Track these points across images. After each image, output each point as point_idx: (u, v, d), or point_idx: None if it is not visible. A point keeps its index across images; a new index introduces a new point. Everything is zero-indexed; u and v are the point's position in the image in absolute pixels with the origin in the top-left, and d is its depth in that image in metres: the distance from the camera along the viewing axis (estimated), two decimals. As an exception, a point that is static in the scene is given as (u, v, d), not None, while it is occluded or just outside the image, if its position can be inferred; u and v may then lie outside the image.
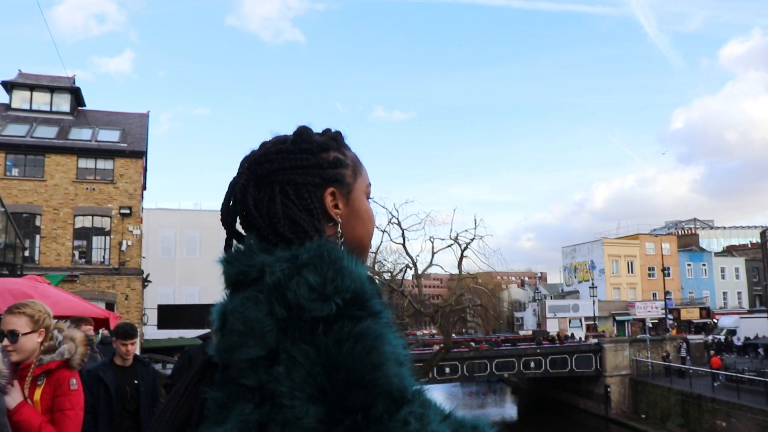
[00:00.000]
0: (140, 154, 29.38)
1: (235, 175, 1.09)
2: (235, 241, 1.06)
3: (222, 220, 1.09)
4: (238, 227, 1.09)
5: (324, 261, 0.90)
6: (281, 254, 0.94)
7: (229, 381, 0.91)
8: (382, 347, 0.85)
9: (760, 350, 41.22)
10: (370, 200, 1.17)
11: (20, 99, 30.92)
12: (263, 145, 1.10)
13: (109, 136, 29.80)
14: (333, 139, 1.12)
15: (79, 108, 32.25)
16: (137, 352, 6.64)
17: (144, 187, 31.41)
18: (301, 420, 0.82)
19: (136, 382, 5.61)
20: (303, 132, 1.10)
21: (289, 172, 1.04)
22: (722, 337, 46.72)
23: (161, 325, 23.07)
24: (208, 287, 36.11)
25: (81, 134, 29.46)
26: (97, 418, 5.24)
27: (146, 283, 30.25)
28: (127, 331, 5.72)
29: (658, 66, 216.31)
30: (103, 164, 28.79)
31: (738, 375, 30.74)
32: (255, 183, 1.05)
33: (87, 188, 28.16)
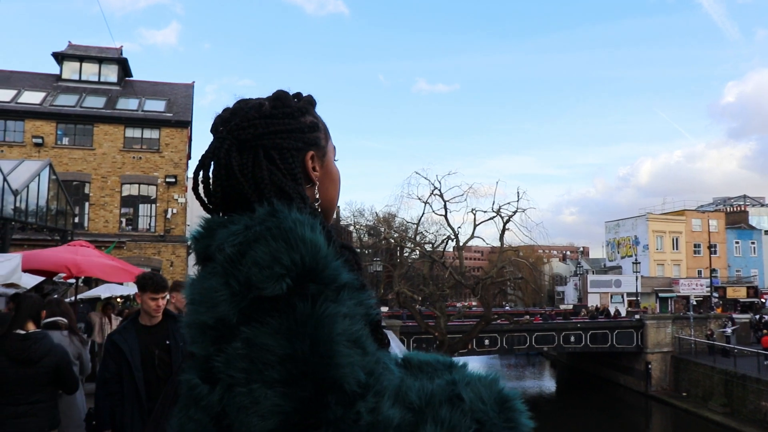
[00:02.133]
0: (185, 124, 29.83)
1: (211, 141, 1.07)
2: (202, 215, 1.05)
3: (193, 189, 1.09)
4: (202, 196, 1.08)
5: (273, 234, 0.88)
6: (235, 228, 0.91)
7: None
8: (332, 332, 0.81)
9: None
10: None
11: (70, 70, 31.61)
12: (238, 109, 1.08)
13: (155, 106, 30.32)
14: (309, 103, 1.13)
15: (126, 79, 32.84)
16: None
17: (189, 157, 31.92)
18: (258, 405, 0.80)
19: (167, 342, 4.65)
20: (283, 96, 1.10)
21: (273, 137, 1.04)
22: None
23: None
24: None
25: (128, 104, 30.04)
26: (123, 389, 4.50)
27: (191, 251, 30.85)
28: (158, 283, 4.71)
29: (712, 37, 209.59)
30: (149, 134, 29.36)
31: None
32: (237, 148, 1.03)
33: (134, 157, 28.78)
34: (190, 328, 0.90)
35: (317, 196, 1.09)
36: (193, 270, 1.02)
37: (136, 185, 28.95)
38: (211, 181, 1.05)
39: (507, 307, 54.58)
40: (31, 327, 4.75)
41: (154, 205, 29.06)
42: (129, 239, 27.81)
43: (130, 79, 33.12)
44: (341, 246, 0.97)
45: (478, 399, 0.85)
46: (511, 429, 0.84)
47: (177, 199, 29.09)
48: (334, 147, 1.19)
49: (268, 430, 0.80)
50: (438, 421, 0.81)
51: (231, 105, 1.11)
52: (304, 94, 1.16)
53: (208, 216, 1.04)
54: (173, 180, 28.85)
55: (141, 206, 29.14)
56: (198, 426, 0.87)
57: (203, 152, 1.07)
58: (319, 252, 0.88)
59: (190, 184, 33.90)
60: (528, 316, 43.82)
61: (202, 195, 1.07)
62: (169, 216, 28.73)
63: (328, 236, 0.93)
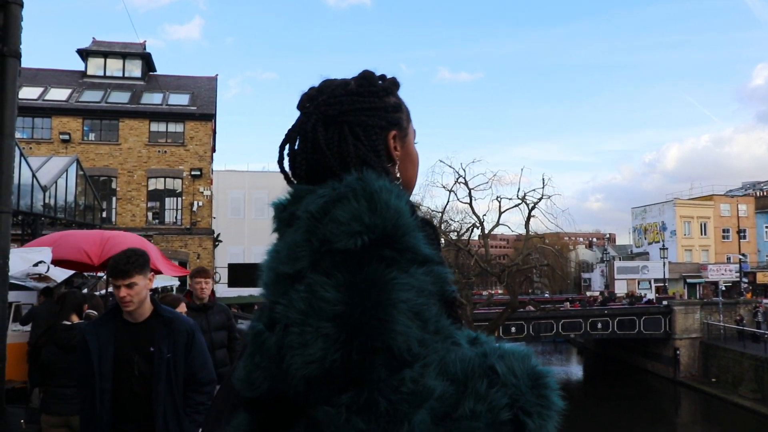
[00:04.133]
0: (209, 117, 30.06)
1: (298, 116, 1.10)
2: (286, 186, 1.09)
3: (279, 162, 1.12)
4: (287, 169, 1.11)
5: (358, 195, 0.90)
6: (322, 191, 0.94)
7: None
8: (394, 298, 0.82)
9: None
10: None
11: (95, 66, 31.99)
12: (324, 86, 1.11)
13: (180, 99, 30.58)
14: (393, 84, 1.16)
15: (150, 73, 33.13)
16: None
17: (213, 150, 32.19)
18: (306, 348, 0.82)
19: (151, 349, 3.52)
20: (369, 76, 1.13)
21: (359, 114, 1.07)
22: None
23: (232, 283, 23.69)
24: (276, 246, 36.86)
25: (152, 98, 30.34)
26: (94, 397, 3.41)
27: (217, 243, 31.19)
28: (117, 266, 3.48)
29: (741, 18, 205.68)
30: (174, 127, 29.64)
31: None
32: (324, 123, 1.06)
33: (159, 151, 29.09)
34: (267, 281, 0.94)
35: (398, 175, 1.12)
36: (269, 239, 1.04)
37: (162, 179, 29.28)
38: (296, 155, 1.09)
39: (540, 295, 54.07)
40: (75, 319, 5.42)
41: (179, 199, 29.37)
42: (156, 233, 28.15)
43: (154, 73, 33.42)
44: (423, 221, 0.99)
45: (510, 373, 0.85)
46: (543, 407, 0.84)
47: (202, 192, 29.36)
48: (415, 130, 1.22)
49: (309, 375, 0.83)
50: (478, 397, 0.81)
51: (317, 84, 1.13)
52: (388, 76, 1.18)
53: (296, 185, 1.07)
54: (198, 173, 29.11)
55: (167, 200, 29.47)
56: (264, 373, 0.90)
57: (289, 127, 1.11)
58: (401, 219, 0.89)
59: (215, 177, 34.24)
60: (568, 303, 43.58)
61: (287, 169, 1.11)
62: (194, 209, 29.02)
63: (412, 209, 0.95)
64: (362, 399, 0.79)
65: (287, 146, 1.11)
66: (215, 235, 30.50)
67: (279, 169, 1.12)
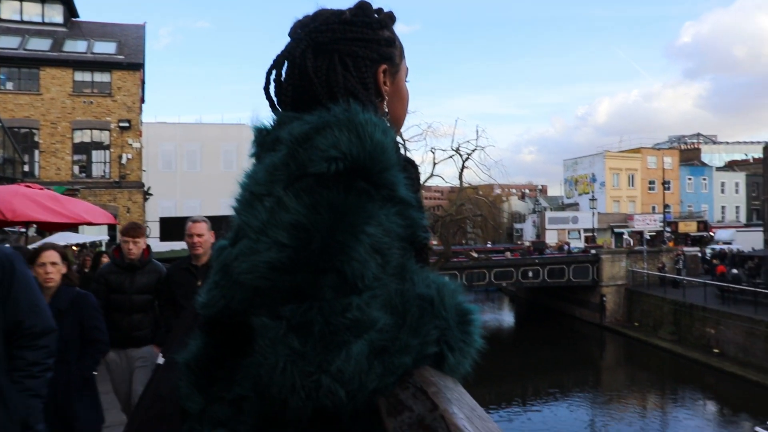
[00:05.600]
0: (138, 66, 28.90)
1: (288, 42, 1.08)
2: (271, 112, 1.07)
3: (265, 88, 1.10)
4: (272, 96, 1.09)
5: (342, 125, 0.88)
6: (309, 118, 0.93)
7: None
8: (358, 228, 0.81)
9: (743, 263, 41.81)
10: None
11: (10, 10, 30.11)
12: (318, 14, 1.09)
13: (105, 48, 29.23)
14: (389, 18, 1.13)
15: (73, 19, 31.47)
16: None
17: (143, 101, 31.07)
18: (258, 255, 0.82)
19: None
20: (364, 6, 1.11)
21: (350, 44, 1.04)
22: (725, 248, 47.24)
23: (163, 237, 23.30)
24: (209, 200, 36.38)
25: (76, 46, 28.88)
26: None
27: (147, 197, 30.41)
28: None
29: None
30: (100, 77, 28.37)
31: (729, 285, 31.38)
32: (314, 50, 1.04)
33: (84, 102, 27.88)
34: (240, 200, 0.93)
35: (386, 111, 1.10)
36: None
37: (88, 131, 28.13)
38: (283, 81, 1.06)
39: (483, 246, 55.02)
40: None
41: (107, 151, 28.34)
42: (83, 186, 27.19)
43: (77, 20, 31.76)
44: (407, 161, 0.98)
45: (442, 306, 0.85)
46: (466, 344, 0.86)
47: (132, 145, 28.43)
48: (407, 68, 1.19)
49: (253, 284, 0.83)
50: (413, 331, 0.82)
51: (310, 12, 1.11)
52: (385, 10, 1.15)
53: (280, 112, 1.05)
54: (127, 125, 28.09)
55: (94, 152, 28.38)
56: (221, 290, 0.90)
57: (278, 52, 1.09)
58: (383, 154, 0.88)
59: (145, 129, 33.17)
60: (509, 253, 44.54)
61: (272, 95, 1.09)
62: (124, 162, 28.11)
63: (397, 147, 0.93)
64: (302, 315, 0.79)
65: (274, 72, 1.09)
66: (146, 189, 29.69)
67: (264, 95, 1.10)
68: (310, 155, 0.86)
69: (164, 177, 38.66)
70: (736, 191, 68.05)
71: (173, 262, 5.56)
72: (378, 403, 0.77)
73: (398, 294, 0.84)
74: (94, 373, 4.27)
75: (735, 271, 33.79)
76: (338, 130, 0.87)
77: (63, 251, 4.39)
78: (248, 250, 0.84)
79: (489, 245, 52.44)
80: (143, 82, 30.53)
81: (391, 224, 0.85)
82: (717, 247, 48.19)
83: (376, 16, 1.11)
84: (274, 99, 1.09)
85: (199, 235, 5.02)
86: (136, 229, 5.71)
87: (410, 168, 0.98)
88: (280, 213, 0.83)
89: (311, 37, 1.05)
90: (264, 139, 1.00)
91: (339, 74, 1.02)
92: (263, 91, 1.10)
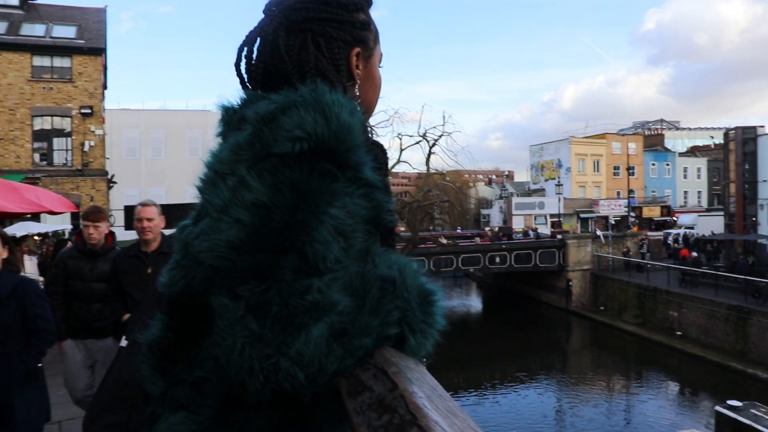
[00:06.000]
0: (99, 51, 28.25)
1: (261, 18, 1.08)
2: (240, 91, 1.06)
3: (235, 64, 1.08)
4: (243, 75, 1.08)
5: (308, 105, 0.87)
6: (276, 98, 0.92)
7: None
8: (321, 210, 0.81)
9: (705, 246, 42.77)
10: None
11: (-37, -9, 29.19)
12: None
13: (65, 32, 28.48)
14: (365, 1, 1.12)
15: (30, 2, 30.59)
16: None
17: (105, 87, 30.43)
18: (219, 234, 0.82)
19: None
20: None
21: (324, 24, 1.03)
22: (684, 232, 48.20)
23: (128, 226, 22.99)
24: (175, 187, 35.95)
25: (34, 30, 28.07)
26: None
27: (111, 185, 29.88)
28: None
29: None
30: (60, 62, 27.67)
31: (690, 269, 32.08)
32: (286, 28, 1.03)
33: (44, 87, 27.18)
34: (204, 179, 0.91)
35: (357, 95, 1.08)
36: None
37: (49, 118, 27.45)
38: (254, 58, 1.05)
39: (454, 231, 55.28)
40: None
41: (69, 139, 27.70)
42: (44, 174, 26.58)
43: (34, 2, 30.88)
44: (374, 143, 0.97)
45: (404, 287, 0.85)
46: (428, 325, 0.86)
47: (94, 132, 27.84)
48: (382, 54, 1.17)
49: (213, 263, 0.82)
50: (373, 312, 0.81)
51: None
52: None
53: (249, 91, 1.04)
54: (89, 111, 27.47)
55: (55, 140, 27.72)
56: (182, 270, 0.90)
57: (251, 28, 1.08)
58: (349, 136, 0.87)
59: (108, 115, 32.52)
60: (478, 239, 44.82)
61: (243, 72, 1.07)
62: (86, 149, 27.53)
63: (364, 129, 0.93)
64: (260, 295, 0.78)
65: (246, 49, 1.07)
66: (109, 177, 29.16)
67: (235, 71, 1.08)
68: (275, 135, 0.85)
69: (128, 164, 38.05)
70: (698, 176, 69.38)
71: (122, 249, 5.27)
72: (339, 385, 0.77)
73: (359, 276, 0.84)
74: (39, 365, 3.98)
75: (695, 254, 34.57)
76: (304, 110, 0.86)
77: (4, 234, 4.13)
78: (209, 229, 0.83)
79: (459, 231, 52.75)
80: (105, 68, 29.89)
81: (355, 206, 0.84)
82: (672, 231, 49.04)
83: None
84: (245, 76, 1.07)
85: (149, 219, 4.76)
86: (96, 213, 5.46)
87: (377, 151, 0.97)
88: (243, 192, 0.82)
89: (284, 15, 1.04)
90: (230, 118, 0.99)
91: (311, 54, 1.01)
92: (234, 68, 1.08)
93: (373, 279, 0.84)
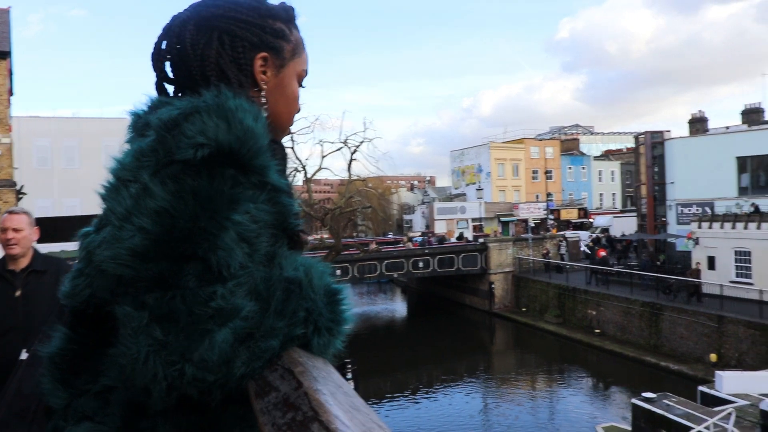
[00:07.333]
0: (4, 55, 26.88)
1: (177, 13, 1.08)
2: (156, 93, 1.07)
3: (152, 61, 1.08)
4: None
5: (211, 111, 0.86)
6: (179, 104, 0.91)
7: None
8: (224, 215, 0.81)
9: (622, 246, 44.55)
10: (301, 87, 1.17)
11: None
12: None
13: (-34, 34, 27.00)
14: (285, 11, 1.12)
15: (-73, 3, 28.87)
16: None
17: (11, 93, 29.00)
18: (121, 242, 0.81)
19: None
20: None
21: (231, 22, 1.03)
22: (601, 236, 50.00)
23: (41, 239, 21.91)
24: (91, 198, 34.24)
25: (-69, 32, 26.51)
26: None
27: (21, 196, 28.47)
28: None
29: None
30: (-40, 66, 26.20)
31: (606, 269, 33.31)
32: (195, 22, 1.03)
33: (-56, 93, 25.67)
34: (107, 187, 0.90)
35: (263, 103, 1.06)
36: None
37: (-51, 125, 25.95)
38: (164, 51, 1.06)
39: (384, 237, 55.24)
40: None
41: (-28, 147, 26.25)
42: (-54, 185, 25.07)
43: (-68, 4, 29.18)
44: (272, 140, 0.96)
45: (310, 288, 0.86)
46: (335, 323, 0.87)
47: (0, 140, 26.49)
48: (305, 71, 1.15)
49: (116, 272, 0.81)
50: (279, 314, 0.82)
51: None
52: (287, 4, 1.14)
53: (154, 95, 1.05)
54: (-6, 118, 26.13)
55: (-43, 149, 26.22)
56: (86, 279, 0.90)
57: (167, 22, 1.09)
58: (253, 141, 0.87)
59: (15, 123, 30.99)
60: (410, 243, 45.02)
61: (157, 67, 1.08)
62: (-8, 158, 26.16)
63: (267, 133, 0.92)
64: (165, 304, 0.78)
65: (163, 42, 1.07)
66: (18, 188, 27.78)
67: (152, 66, 1.08)
68: (178, 141, 0.84)
69: (40, 174, 36.37)
70: (612, 179, 72.25)
71: None
72: (248, 387, 0.78)
73: (263, 280, 0.84)
74: None
75: (603, 254, 35.95)
76: (207, 116, 0.86)
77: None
78: (111, 238, 0.82)
79: (390, 236, 53.01)
80: (11, 72, 28.49)
81: (260, 212, 0.85)
82: (581, 232, 50.71)
83: (273, 5, 1.11)
84: (158, 72, 1.08)
85: (16, 230, 3.69)
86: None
87: (277, 148, 0.98)
88: (146, 200, 0.81)
89: (196, 10, 1.05)
90: (137, 123, 0.98)
91: (213, 50, 1.01)
92: (151, 61, 1.08)
93: (279, 282, 0.85)
